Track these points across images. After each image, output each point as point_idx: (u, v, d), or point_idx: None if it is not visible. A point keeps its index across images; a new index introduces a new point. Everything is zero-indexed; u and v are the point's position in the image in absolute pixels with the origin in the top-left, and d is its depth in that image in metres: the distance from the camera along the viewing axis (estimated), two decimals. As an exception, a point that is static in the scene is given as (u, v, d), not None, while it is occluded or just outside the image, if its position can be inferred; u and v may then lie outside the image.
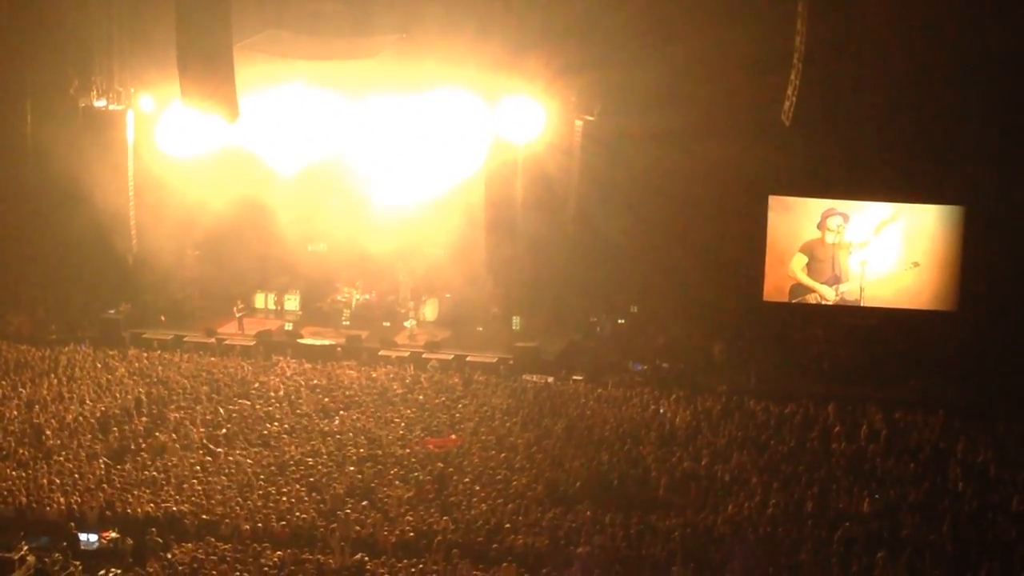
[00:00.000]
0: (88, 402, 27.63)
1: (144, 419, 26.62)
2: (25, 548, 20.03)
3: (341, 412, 27.40)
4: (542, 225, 33.11)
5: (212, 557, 20.10)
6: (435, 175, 34.03)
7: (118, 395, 28.21)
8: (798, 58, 29.93)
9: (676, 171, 32.65)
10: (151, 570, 19.90)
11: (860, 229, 32.75)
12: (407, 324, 34.55)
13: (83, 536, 20.93)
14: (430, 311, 35.92)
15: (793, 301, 33.31)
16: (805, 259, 33.13)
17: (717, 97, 31.89)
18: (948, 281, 32.44)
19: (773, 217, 33.10)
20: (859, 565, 19.94)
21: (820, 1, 29.82)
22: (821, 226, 32.95)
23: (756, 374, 30.95)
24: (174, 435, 25.62)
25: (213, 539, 20.91)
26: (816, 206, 32.98)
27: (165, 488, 22.93)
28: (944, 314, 32.32)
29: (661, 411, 27.51)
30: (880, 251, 32.76)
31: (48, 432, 25.56)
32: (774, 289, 33.38)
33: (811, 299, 33.23)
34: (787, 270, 33.27)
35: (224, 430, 26.05)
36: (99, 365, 30.53)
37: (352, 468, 23.92)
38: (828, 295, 33.14)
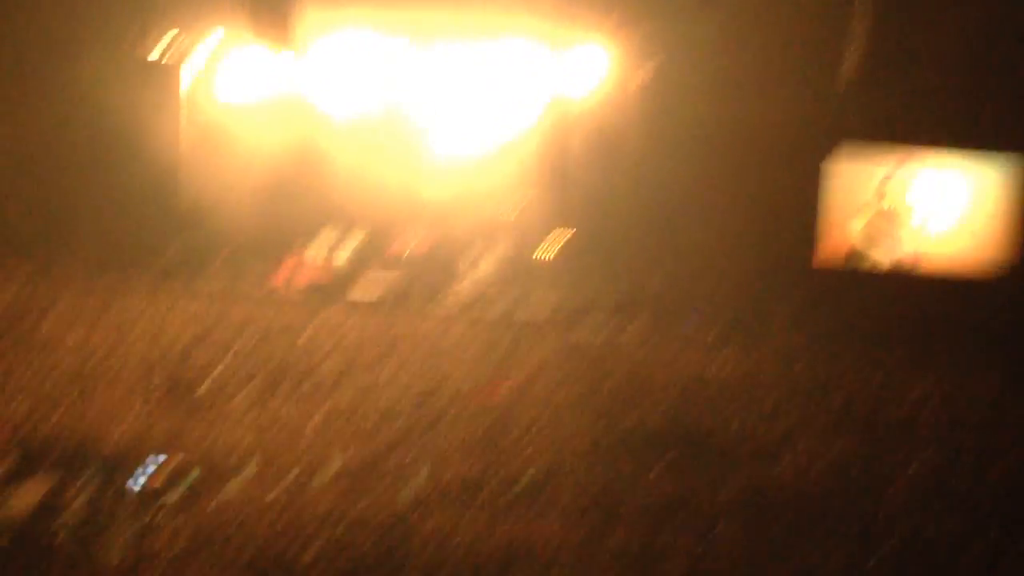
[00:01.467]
0: (139, 347, 27.92)
1: (194, 367, 26.87)
2: (75, 485, 20.33)
3: (388, 364, 27.49)
4: (599, 179, 32.86)
5: (261, 500, 20.29)
6: (492, 125, 33.85)
7: (169, 342, 28.50)
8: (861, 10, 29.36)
9: (733, 128, 32.04)
10: (201, 511, 20.12)
11: (921, 194, 32.22)
12: (465, 280, 34.46)
13: (134, 476, 21.14)
14: (486, 264, 35.34)
15: (848, 267, 32.92)
16: (863, 223, 32.66)
17: (779, 49, 31.30)
18: (1009, 248, 31.77)
19: (830, 180, 32.57)
20: (910, 523, 19.80)
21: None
22: (880, 190, 32.44)
23: (807, 339, 30.66)
24: (223, 384, 25.88)
25: (262, 483, 21.13)
26: (876, 169, 32.43)
27: (214, 434, 23.19)
28: (1001, 280, 31.68)
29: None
30: (940, 217, 32.24)
31: (100, 372, 25.86)
32: (829, 254, 32.96)
33: (867, 265, 32.81)
34: (843, 235, 32.84)
35: (273, 380, 26.23)
36: (150, 313, 30.87)
37: (399, 420, 24.04)
38: (885, 261, 32.66)
